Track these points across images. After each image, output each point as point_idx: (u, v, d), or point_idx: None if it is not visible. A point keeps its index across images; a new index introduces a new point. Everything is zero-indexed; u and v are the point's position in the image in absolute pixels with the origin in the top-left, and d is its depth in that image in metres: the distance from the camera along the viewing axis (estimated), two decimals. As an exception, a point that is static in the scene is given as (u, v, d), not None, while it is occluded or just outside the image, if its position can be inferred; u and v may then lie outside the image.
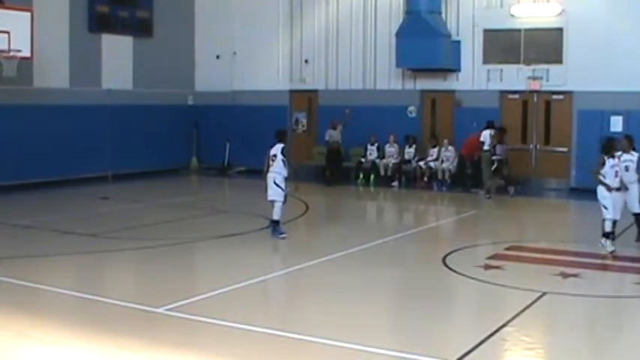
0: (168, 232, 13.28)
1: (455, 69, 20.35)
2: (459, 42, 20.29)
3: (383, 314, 8.80)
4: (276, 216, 12.67)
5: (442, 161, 19.95)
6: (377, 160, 20.80)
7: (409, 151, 20.55)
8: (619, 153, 11.99)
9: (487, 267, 10.67)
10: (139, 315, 8.26)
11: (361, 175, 20.94)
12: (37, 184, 18.70)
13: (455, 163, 19.74)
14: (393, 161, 20.49)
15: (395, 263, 11.57)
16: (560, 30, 19.09)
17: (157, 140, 22.41)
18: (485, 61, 20.05)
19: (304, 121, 23.01)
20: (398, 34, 20.04)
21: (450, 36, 20.20)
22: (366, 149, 21.11)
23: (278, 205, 12.60)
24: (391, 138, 20.75)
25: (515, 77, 19.61)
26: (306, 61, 22.65)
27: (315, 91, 22.64)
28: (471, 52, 20.15)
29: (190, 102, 24.21)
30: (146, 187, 20.32)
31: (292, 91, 23.08)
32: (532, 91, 19.56)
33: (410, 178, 20.44)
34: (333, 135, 20.61)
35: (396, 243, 12.83)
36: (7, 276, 9.77)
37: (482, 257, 11.29)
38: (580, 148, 18.92)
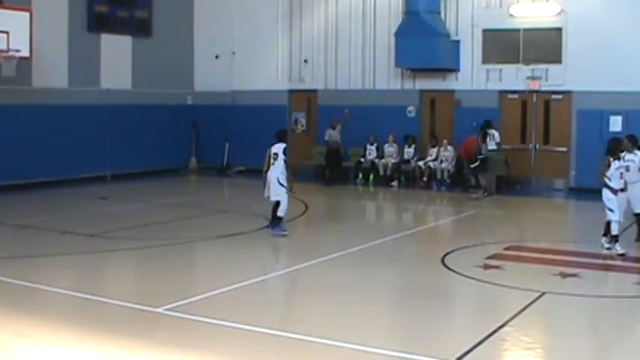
0: (168, 232, 13.27)
1: (454, 69, 20.35)
2: (458, 42, 20.29)
3: (382, 314, 8.80)
4: (281, 212, 12.80)
5: (441, 161, 19.95)
6: (376, 160, 20.80)
7: (408, 151, 20.55)
8: (623, 154, 11.91)
9: (486, 267, 10.67)
10: (138, 315, 8.26)
11: (360, 175, 20.93)
12: (35, 184, 18.69)
13: (453, 163, 19.75)
14: (393, 161, 20.49)
15: (394, 263, 11.57)
16: (559, 30, 19.09)
17: (156, 140, 22.40)
18: (485, 60, 20.05)
19: (303, 120, 23.01)
20: (397, 34, 20.04)
21: (449, 36, 20.21)
22: (365, 149, 21.11)
23: (284, 204, 12.77)
24: (390, 138, 20.75)
25: (515, 77, 19.61)
26: (306, 61, 22.65)
27: (315, 91, 22.64)
28: (470, 52, 20.16)
29: (189, 102, 24.20)
30: (145, 187, 20.31)
31: (291, 91, 23.08)
32: (531, 91, 19.56)
33: (409, 178, 20.44)
34: (333, 135, 20.61)
35: (396, 243, 12.83)
36: (6, 276, 9.76)
37: (481, 257, 11.28)
38: (579, 148, 18.93)
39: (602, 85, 18.25)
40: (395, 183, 20.18)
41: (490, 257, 11.29)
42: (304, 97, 22.96)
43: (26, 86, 18.78)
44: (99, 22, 21.02)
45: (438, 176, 19.83)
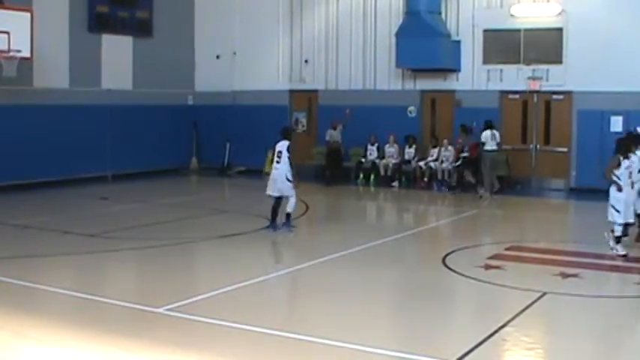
0: (169, 232, 13.27)
1: (455, 69, 20.34)
2: (458, 42, 20.28)
3: (383, 314, 8.79)
4: (290, 208, 13.05)
5: (442, 161, 19.94)
6: (377, 160, 20.79)
7: (409, 151, 20.54)
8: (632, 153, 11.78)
9: (487, 267, 10.66)
10: (138, 315, 8.26)
11: (361, 175, 20.93)
12: (36, 184, 18.69)
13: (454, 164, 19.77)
14: (393, 161, 20.48)
15: (395, 263, 11.56)
16: (560, 30, 19.08)
17: (156, 140, 22.41)
18: (485, 61, 20.04)
19: (304, 121, 23.01)
20: (398, 34, 20.03)
21: (449, 36, 20.20)
22: (366, 149, 21.11)
23: (293, 199, 13.06)
24: (391, 138, 20.75)
25: (515, 77, 19.60)
26: (306, 61, 22.65)
27: (315, 91, 22.64)
28: (471, 52, 20.15)
29: (190, 102, 24.20)
30: (146, 187, 20.32)
31: (292, 91, 23.08)
32: (532, 91, 19.55)
33: (410, 179, 20.43)
34: (333, 135, 20.61)
35: (396, 243, 12.83)
36: (7, 276, 9.76)
37: (482, 257, 11.28)
38: (580, 149, 18.92)
39: (602, 85, 18.24)
40: (396, 183, 20.18)
41: (491, 257, 11.28)
42: (305, 97, 22.96)
43: (27, 86, 18.79)
44: (100, 23, 21.02)
45: (439, 176, 19.83)
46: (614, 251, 11.40)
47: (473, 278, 10.01)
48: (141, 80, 22.18)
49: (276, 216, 13.16)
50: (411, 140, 20.54)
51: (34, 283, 9.48)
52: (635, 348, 7.65)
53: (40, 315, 8.32)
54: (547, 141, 19.72)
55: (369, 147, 21.04)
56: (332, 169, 20.62)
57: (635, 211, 11.87)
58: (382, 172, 20.55)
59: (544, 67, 19.29)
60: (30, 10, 17.39)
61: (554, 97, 19.46)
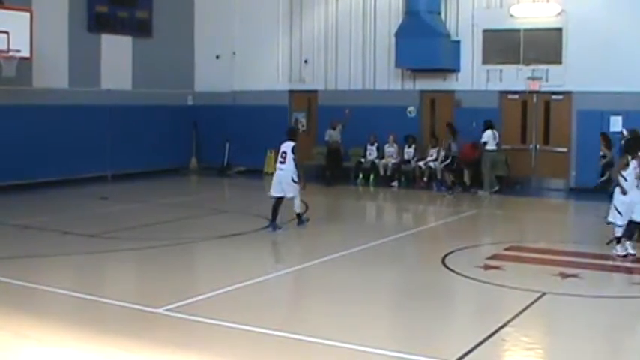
0: (168, 233, 13.27)
1: (454, 69, 20.35)
2: (458, 42, 20.29)
3: (382, 314, 8.80)
4: (297, 209, 13.36)
5: (442, 161, 19.93)
6: (376, 161, 20.80)
7: (409, 152, 20.55)
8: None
9: (487, 267, 10.67)
10: (138, 315, 8.26)
11: (361, 176, 20.94)
12: (36, 184, 18.69)
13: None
14: (393, 161, 20.49)
15: (395, 263, 11.57)
16: (559, 30, 19.09)
17: (156, 140, 22.41)
18: (485, 61, 20.05)
19: (304, 121, 23.01)
20: (397, 35, 20.04)
21: (449, 36, 20.20)
22: (365, 149, 21.11)
23: (297, 200, 13.31)
24: (391, 138, 20.76)
25: (515, 77, 19.61)
26: (306, 61, 22.65)
27: (315, 91, 22.64)
28: (471, 52, 20.15)
29: (190, 102, 24.20)
30: (146, 187, 20.32)
31: (292, 91, 23.08)
32: (531, 92, 19.56)
33: (409, 179, 20.44)
34: (333, 135, 20.61)
35: (396, 243, 12.83)
36: (6, 276, 9.76)
37: (481, 257, 11.28)
38: (579, 149, 18.93)
39: (602, 85, 18.25)
40: (395, 183, 20.18)
41: (490, 257, 11.28)
42: (304, 98, 22.96)
43: (27, 86, 18.79)
44: (99, 23, 21.02)
45: (439, 177, 19.83)
46: (614, 251, 11.40)
47: (472, 278, 10.01)
48: (140, 80, 22.18)
49: (276, 216, 13.18)
50: (410, 140, 20.55)
51: (34, 283, 9.48)
52: (635, 348, 7.66)
53: (39, 315, 8.32)
54: (546, 141, 19.73)
55: (369, 147, 21.04)
56: (332, 170, 20.62)
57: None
58: (382, 172, 20.55)
59: (543, 67, 19.30)
60: (29, 10, 17.39)
61: (554, 97, 19.47)
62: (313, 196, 17.69)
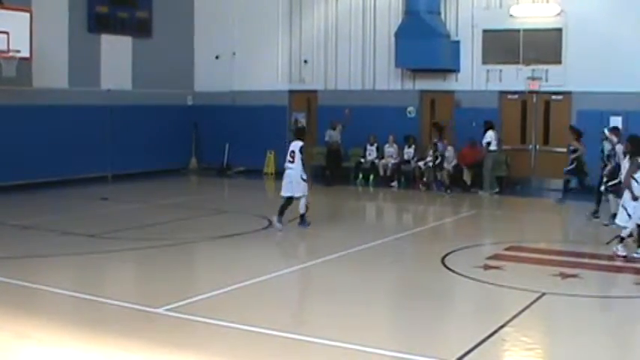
0: (168, 232, 13.28)
1: (454, 69, 20.36)
2: (458, 42, 20.30)
3: (382, 314, 8.80)
4: (302, 210, 13.40)
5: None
6: (376, 161, 20.80)
7: (408, 152, 20.55)
8: None
9: (486, 267, 10.67)
10: (138, 315, 8.26)
11: (360, 176, 20.95)
12: (36, 185, 18.69)
13: (453, 164, 19.75)
14: (393, 161, 20.49)
15: (394, 263, 11.57)
16: (559, 30, 19.10)
17: (156, 140, 22.41)
18: (485, 61, 20.06)
19: (303, 121, 22.98)
20: (397, 35, 20.04)
21: (449, 36, 20.21)
22: (365, 149, 21.12)
23: (304, 200, 13.39)
24: (390, 138, 20.76)
25: (515, 78, 19.61)
26: (306, 62, 22.65)
27: (315, 92, 22.65)
28: (470, 52, 20.16)
29: (190, 102, 24.21)
30: (146, 187, 20.32)
31: (291, 92, 23.08)
32: (531, 92, 19.57)
33: (409, 179, 20.43)
34: (333, 135, 20.61)
35: (396, 243, 12.84)
36: (6, 276, 9.76)
37: (481, 257, 11.28)
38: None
39: (602, 85, 18.26)
40: (395, 183, 20.18)
41: (490, 258, 11.29)
42: (304, 98, 22.97)
43: (27, 87, 18.79)
44: (99, 23, 21.03)
45: (438, 177, 19.81)
46: (614, 250, 11.40)
47: (472, 278, 10.02)
48: (140, 80, 22.18)
49: (283, 214, 13.24)
50: (410, 140, 20.55)
51: (34, 283, 9.48)
52: (635, 348, 7.66)
53: (40, 315, 8.32)
54: (546, 141, 19.74)
55: (369, 147, 21.05)
56: (331, 170, 20.63)
57: None
58: (381, 173, 20.56)
59: (543, 67, 19.30)
60: (29, 10, 17.40)
61: (554, 97, 19.48)
62: (313, 196, 17.64)
